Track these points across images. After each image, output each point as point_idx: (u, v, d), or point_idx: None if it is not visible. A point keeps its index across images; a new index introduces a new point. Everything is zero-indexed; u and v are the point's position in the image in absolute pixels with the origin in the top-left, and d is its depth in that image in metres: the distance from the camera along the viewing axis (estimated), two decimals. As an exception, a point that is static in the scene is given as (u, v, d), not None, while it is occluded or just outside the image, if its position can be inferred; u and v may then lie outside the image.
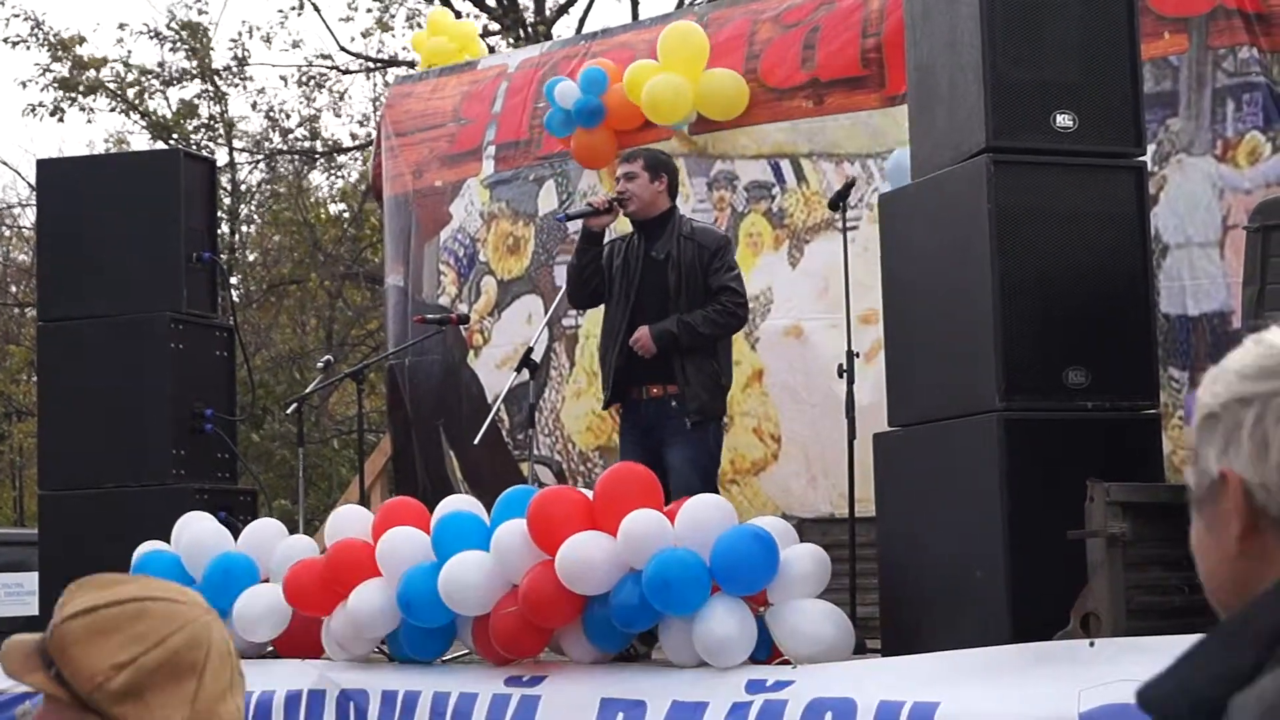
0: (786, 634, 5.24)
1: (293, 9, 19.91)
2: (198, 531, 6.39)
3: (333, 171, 21.01)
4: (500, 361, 8.73)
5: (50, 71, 19.25)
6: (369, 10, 19.86)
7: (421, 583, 5.58)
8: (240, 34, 19.53)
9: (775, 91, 7.88)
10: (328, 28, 26.33)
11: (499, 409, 7.68)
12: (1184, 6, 6.72)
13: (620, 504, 5.39)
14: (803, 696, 4.85)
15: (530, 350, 6.88)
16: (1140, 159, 5.32)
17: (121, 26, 20.82)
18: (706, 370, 6.38)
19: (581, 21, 19.09)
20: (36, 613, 7.37)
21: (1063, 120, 5.15)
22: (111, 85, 19.38)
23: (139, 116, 19.54)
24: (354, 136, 20.63)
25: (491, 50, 16.41)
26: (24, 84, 20.30)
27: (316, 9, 20.44)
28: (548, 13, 19.22)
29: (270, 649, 6.33)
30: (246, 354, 10.59)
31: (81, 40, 19.44)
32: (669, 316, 6.39)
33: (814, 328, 7.57)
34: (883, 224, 5.73)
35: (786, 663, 5.17)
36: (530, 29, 18.61)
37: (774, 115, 7.88)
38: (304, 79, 19.92)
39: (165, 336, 7.11)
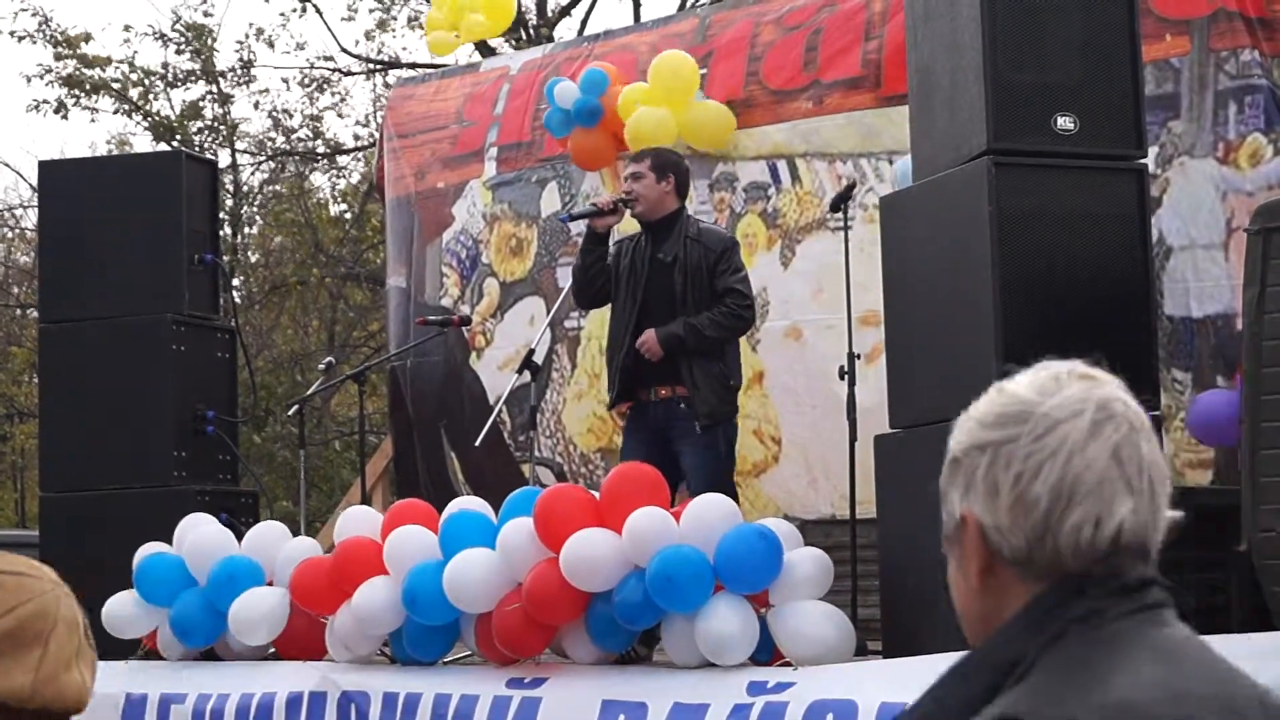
0: (788, 635, 5.24)
1: (294, 11, 19.94)
2: (201, 534, 6.40)
3: (334, 172, 21.03)
4: (502, 363, 8.73)
5: (54, 70, 19.27)
6: (371, 11, 19.89)
7: (427, 579, 5.59)
8: (247, 35, 19.51)
9: (777, 94, 7.88)
10: (329, 30, 26.33)
11: (500, 411, 7.68)
12: (1185, 9, 6.72)
13: (626, 503, 5.40)
14: (804, 698, 4.85)
15: (532, 352, 6.88)
16: (1141, 161, 5.33)
17: (127, 28, 20.84)
18: (713, 373, 6.37)
19: (583, 23, 19.10)
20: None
21: (1064, 122, 5.16)
22: (116, 85, 19.39)
23: (142, 117, 19.55)
24: (356, 138, 20.66)
25: (493, 52, 16.42)
26: (29, 79, 20.33)
27: (318, 11, 20.47)
28: (549, 14, 19.22)
29: (271, 651, 6.34)
30: (248, 355, 10.59)
31: (88, 38, 19.46)
32: (675, 319, 6.38)
33: (811, 329, 7.56)
34: (884, 225, 5.73)
35: (788, 664, 5.17)
36: (532, 31, 18.61)
37: (775, 117, 7.88)
38: (306, 81, 19.95)
39: (167, 338, 7.11)
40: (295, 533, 6.58)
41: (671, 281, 6.45)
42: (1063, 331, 5.09)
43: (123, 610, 6.36)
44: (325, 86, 19.99)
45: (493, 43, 18.43)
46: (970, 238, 5.14)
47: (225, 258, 12.09)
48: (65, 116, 19.20)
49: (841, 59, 7.67)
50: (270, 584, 6.21)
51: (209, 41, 19.23)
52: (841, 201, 6.41)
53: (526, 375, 6.83)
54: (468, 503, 6.04)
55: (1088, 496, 1.62)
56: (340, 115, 23.91)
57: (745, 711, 4.95)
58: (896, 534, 5.42)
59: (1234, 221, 6.50)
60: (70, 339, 7.27)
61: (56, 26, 19.35)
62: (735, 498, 6.34)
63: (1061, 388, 1.67)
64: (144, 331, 7.13)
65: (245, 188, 20.46)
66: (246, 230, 20.90)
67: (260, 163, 20.48)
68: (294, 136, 20.15)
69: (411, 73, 17.06)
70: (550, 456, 8.52)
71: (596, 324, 8.21)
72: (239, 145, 19.93)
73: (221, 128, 19.65)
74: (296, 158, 20.38)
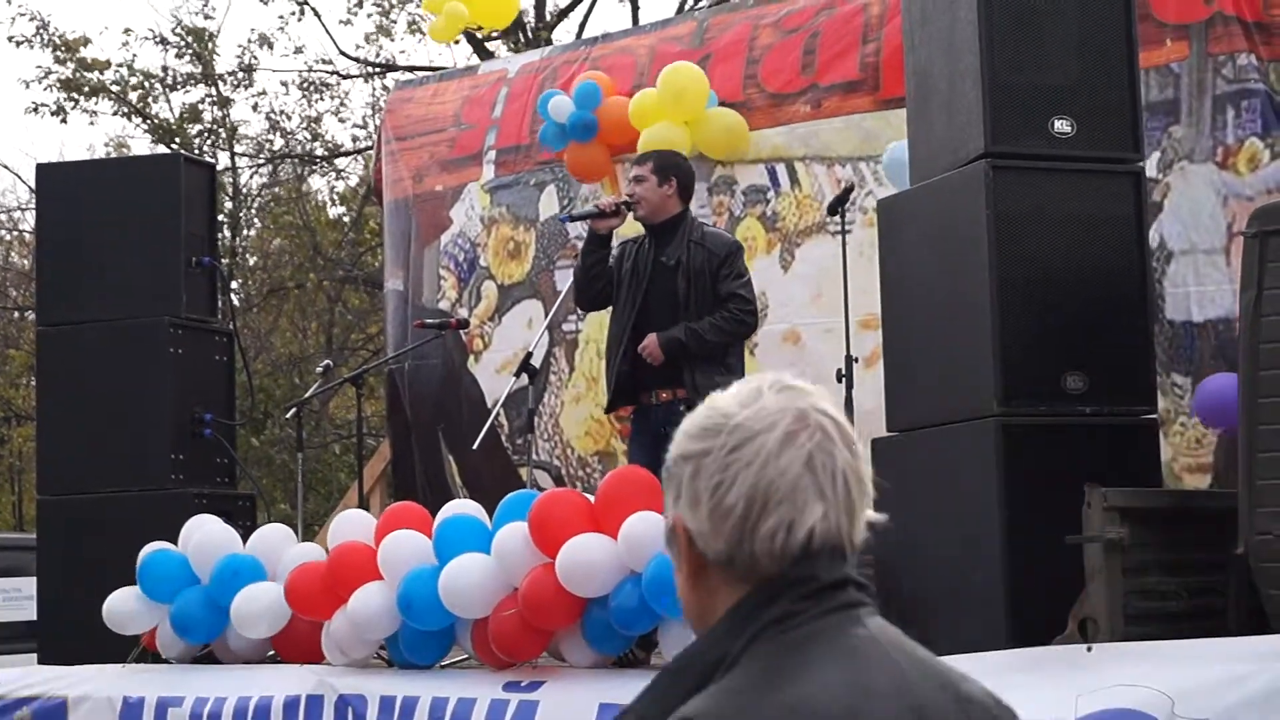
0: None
1: (292, 14, 19.94)
2: (206, 533, 6.40)
3: (333, 175, 21.04)
4: (500, 366, 8.73)
5: (53, 72, 19.28)
6: (370, 15, 19.89)
7: (422, 585, 5.59)
8: (249, 40, 19.52)
9: (775, 97, 7.88)
10: (328, 33, 26.33)
11: (498, 414, 7.68)
12: (1185, 13, 6.72)
13: (622, 507, 5.39)
14: (801, 701, 4.85)
15: (529, 355, 6.88)
16: (1139, 164, 5.33)
17: (127, 32, 20.83)
18: (715, 378, 6.36)
19: (581, 26, 19.11)
20: (35, 618, 7.36)
21: (1061, 125, 5.16)
22: (115, 89, 19.40)
23: (141, 120, 19.56)
24: (354, 140, 20.66)
25: (491, 55, 16.42)
26: (27, 84, 20.33)
27: (317, 14, 20.46)
28: (548, 17, 19.22)
29: (271, 653, 6.34)
30: (246, 358, 10.58)
31: (86, 42, 19.47)
32: (677, 322, 6.36)
33: (810, 333, 7.56)
34: (881, 228, 5.73)
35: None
36: (530, 33, 18.61)
37: (773, 120, 7.88)
38: (305, 84, 19.95)
39: (165, 341, 7.11)
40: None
41: (674, 285, 6.44)
42: (1060, 334, 5.10)
43: (124, 606, 6.36)
44: (324, 90, 20.00)
45: (491, 46, 18.45)
46: (968, 241, 5.14)
47: (223, 260, 12.09)
48: (64, 120, 19.22)
49: (839, 62, 7.67)
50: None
51: (209, 45, 19.24)
52: (839, 205, 6.41)
53: (524, 378, 6.83)
54: (461, 506, 6.02)
55: (781, 503, 1.71)
56: (340, 119, 23.86)
57: (742, 714, 4.95)
58: (893, 537, 5.40)
59: (1235, 226, 6.50)
60: (68, 342, 7.27)
61: (55, 30, 19.37)
62: None
63: (761, 400, 1.75)
64: (142, 334, 7.12)
65: (244, 191, 20.47)
66: (245, 233, 20.90)
67: (259, 166, 20.49)
68: (292, 140, 20.16)
69: (409, 76, 17.05)
70: (548, 460, 8.52)
71: (594, 327, 8.21)
72: (238, 148, 19.95)
73: (221, 130, 19.66)
74: (295, 160, 20.39)
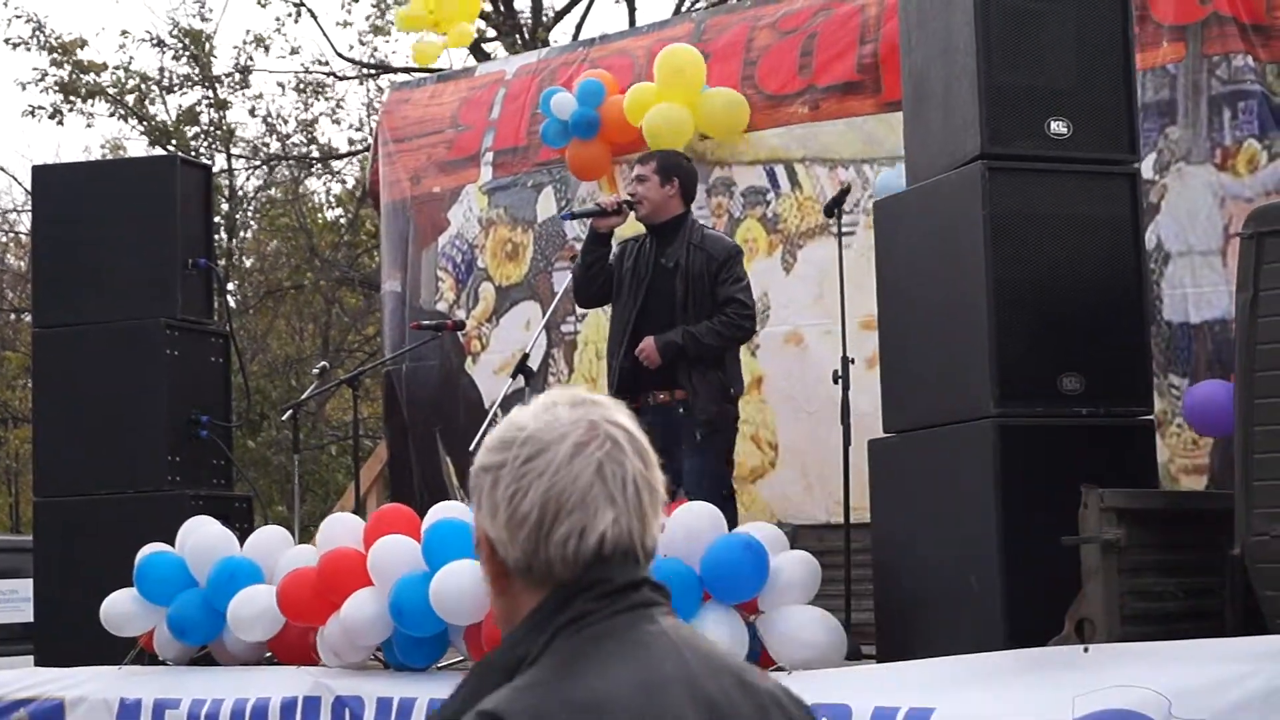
0: (778, 641, 5.24)
1: (289, 15, 19.93)
2: (203, 535, 6.40)
3: (329, 176, 21.03)
4: (498, 367, 8.72)
5: (50, 75, 19.27)
6: (366, 17, 19.90)
7: (413, 592, 5.57)
8: (245, 42, 19.50)
9: (773, 98, 7.88)
10: (324, 34, 26.34)
11: (495, 415, 7.67)
12: (1182, 14, 6.72)
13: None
14: (798, 702, 4.85)
15: (525, 357, 6.87)
16: (1134, 165, 5.33)
17: (124, 34, 20.83)
18: (712, 380, 6.36)
19: (578, 28, 19.11)
20: (31, 619, 7.36)
21: (1057, 127, 5.16)
22: (112, 91, 19.38)
23: (138, 122, 19.55)
24: (351, 142, 20.65)
25: (489, 57, 16.42)
26: (23, 86, 20.32)
27: (313, 15, 20.46)
28: (545, 18, 19.23)
29: (268, 655, 6.34)
30: (242, 360, 10.57)
31: (83, 44, 19.45)
32: (675, 324, 6.36)
33: (812, 335, 7.56)
34: (878, 230, 5.73)
35: (781, 669, 5.17)
36: (527, 35, 18.62)
37: (771, 122, 7.87)
38: (301, 85, 19.94)
39: (161, 343, 7.10)
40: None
41: (673, 287, 6.44)
42: (1056, 336, 5.10)
43: (121, 608, 6.36)
44: (320, 91, 19.99)
45: (488, 47, 18.45)
46: (964, 242, 5.14)
47: (220, 262, 12.08)
48: (60, 122, 19.21)
49: (837, 64, 7.67)
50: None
51: (207, 47, 19.23)
52: (835, 206, 6.41)
53: (520, 380, 6.82)
54: (448, 510, 5.99)
55: (572, 511, 1.81)
56: (335, 121, 23.83)
57: (739, 716, 4.94)
58: (890, 538, 5.42)
59: (1232, 227, 6.49)
60: (64, 343, 7.26)
61: (51, 33, 19.36)
62: (733, 506, 6.33)
63: (554, 413, 1.88)
64: (138, 336, 7.12)
65: (240, 192, 20.46)
66: (241, 235, 20.89)
67: (255, 167, 20.48)
68: (288, 141, 20.15)
69: (406, 77, 17.04)
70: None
71: (593, 329, 8.20)
72: (234, 150, 19.94)
73: (218, 132, 19.65)
74: (291, 162, 20.38)
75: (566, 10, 19.46)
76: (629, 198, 6.63)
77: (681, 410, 6.34)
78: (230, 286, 18.74)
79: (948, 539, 5.10)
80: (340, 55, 20.02)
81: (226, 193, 19.40)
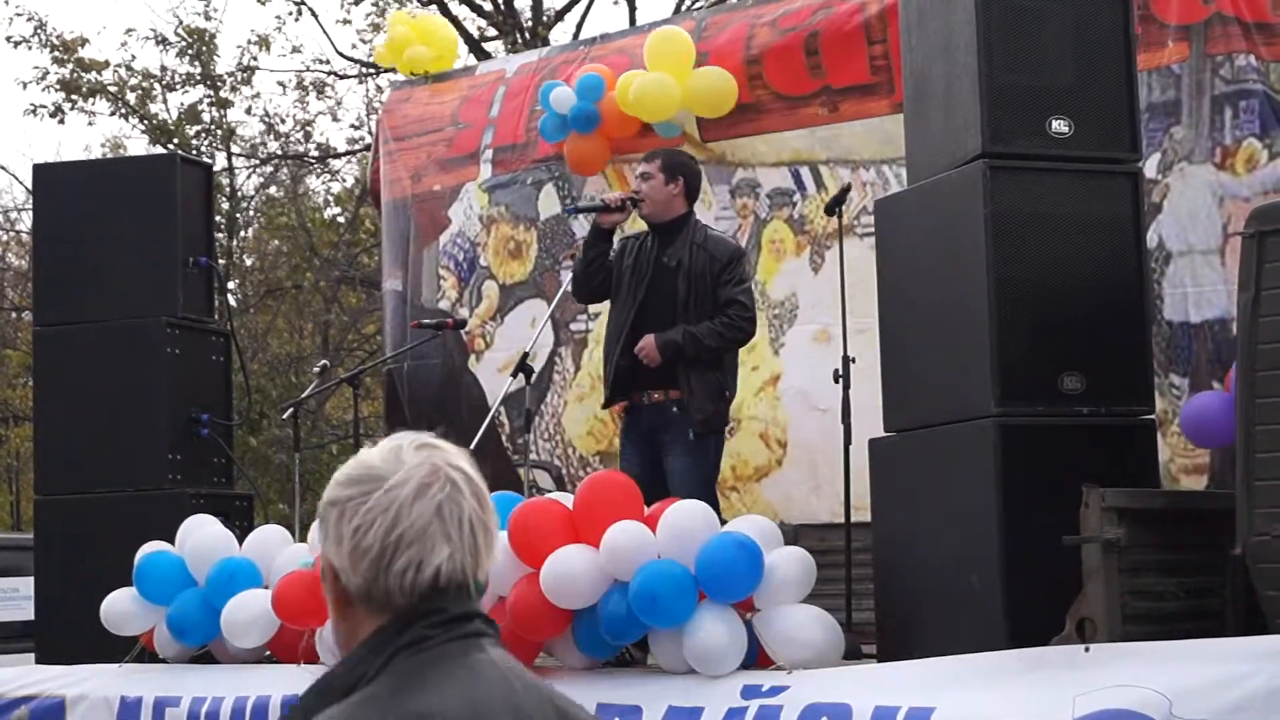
0: (775, 639, 5.23)
1: (290, 14, 19.91)
2: (203, 535, 6.40)
3: (328, 175, 21.02)
4: (502, 366, 8.71)
5: (51, 73, 19.26)
6: (366, 15, 19.89)
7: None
8: (249, 41, 19.49)
9: (787, 99, 7.87)
10: (325, 33, 26.34)
11: (498, 413, 7.67)
12: (1185, 14, 6.72)
13: (601, 513, 5.37)
14: (798, 702, 4.85)
15: (526, 356, 6.87)
16: (1136, 164, 5.33)
17: (128, 32, 20.85)
18: (710, 381, 6.35)
19: (579, 27, 19.11)
20: (32, 617, 7.36)
21: (1058, 126, 5.16)
22: (113, 89, 19.37)
23: (139, 120, 19.54)
24: (350, 141, 20.65)
25: (489, 55, 16.42)
26: (24, 84, 20.31)
27: (314, 14, 20.45)
28: (545, 17, 19.23)
29: (267, 654, 6.34)
30: (243, 359, 10.58)
31: (84, 42, 19.44)
32: (675, 323, 6.35)
33: (838, 333, 7.56)
34: (879, 229, 5.73)
35: (781, 669, 5.16)
36: (527, 34, 18.61)
37: (790, 123, 7.87)
38: (301, 84, 19.94)
39: (161, 341, 7.10)
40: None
41: (674, 286, 6.43)
42: (1057, 335, 5.10)
43: (121, 607, 6.36)
44: (320, 90, 19.99)
45: (488, 47, 18.45)
46: (965, 241, 5.14)
47: (220, 261, 12.08)
48: (62, 121, 19.20)
49: (848, 65, 7.66)
50: (267, 587, 6.20)
51: (210, 45, 19.21)
52: (836, 205, 6.41)
53: (521, 379, 6.81)
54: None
55: (411, 545, 1.96)
56: (335, 119, 23.86)
57: (740, 715, 4.95)
58: (891, 538, 5.42)
59: (1230, 227, 6.50)
60: (65, 342, 7.26)
61: (52, 31, 19.35)
62: (716, 508, 6.32)
63: (401, 455, 2.02)
64: (139, 334, 7.12)
65: (240, 192, 20.45)
66: (242, 234, 20.89)
67: (255, 166, 20.47)
68: (288, 141, 20.15)
69: (407, 76, 17.02)
70: (549, 460, 8.51)
71: (604, 327, 8.21)
72: (234, 149, 19.93)
73: (218, 131, 19.64)
74: (290, 161, 20.37)
75: (566, 10, 19.47)
76: (633, 194, 6.62)
77: (675, 409, 6.33)
78: (231, 285, 18.74)
79: (948, 538, 5.10)
80: (341, 54, 20.03)
81: (227, 192, 19.39)
